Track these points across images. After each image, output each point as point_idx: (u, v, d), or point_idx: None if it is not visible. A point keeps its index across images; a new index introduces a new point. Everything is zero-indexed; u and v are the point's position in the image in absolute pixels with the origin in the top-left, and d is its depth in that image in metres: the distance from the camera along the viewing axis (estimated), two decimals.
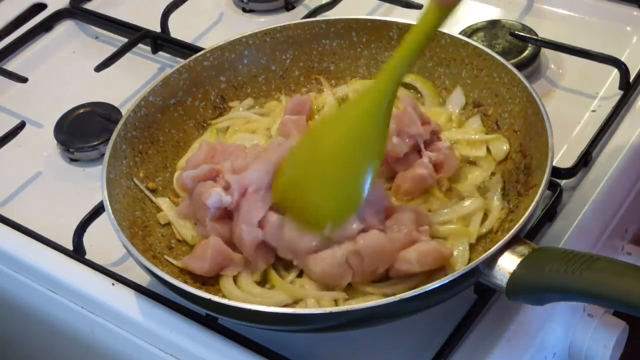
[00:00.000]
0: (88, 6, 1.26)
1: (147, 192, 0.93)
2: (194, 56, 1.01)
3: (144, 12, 1.23)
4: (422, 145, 0.91)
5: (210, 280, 0.86)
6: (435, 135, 0.93)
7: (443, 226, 0.88)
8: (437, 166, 0.91)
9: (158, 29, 1.17)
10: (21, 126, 1.08)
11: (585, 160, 0.97)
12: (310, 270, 0.83)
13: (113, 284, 0.90)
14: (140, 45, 1.17)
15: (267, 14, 1.24)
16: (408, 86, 1.01)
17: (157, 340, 0.87)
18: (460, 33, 1.08)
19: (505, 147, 0.93)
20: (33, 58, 1.21)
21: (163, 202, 0.93)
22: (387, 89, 0.81)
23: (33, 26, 1.23)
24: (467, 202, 0.89)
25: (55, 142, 1.07)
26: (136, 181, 0.92)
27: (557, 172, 0.94)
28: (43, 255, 0.94)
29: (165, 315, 0.87)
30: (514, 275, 0.77)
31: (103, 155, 0.92)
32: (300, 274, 0.86)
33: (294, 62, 1.04)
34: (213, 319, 0.85)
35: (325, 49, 1.04)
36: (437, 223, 0.88)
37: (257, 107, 1.03)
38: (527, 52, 1.08)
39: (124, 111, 0.99)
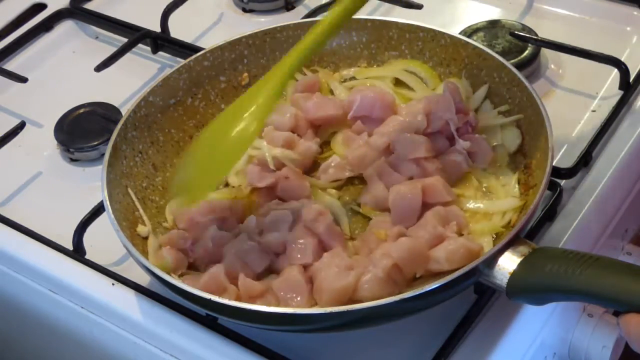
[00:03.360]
0: (88, 6, 1.26)
1: (138, 205, 0.91)
2: (194, 56, 1.01)
3: (144, 12, 1.23)
4: (454, 132, 0.92)
5: None
6: (469, 126, 0.93)
7: (472, 218, 0.88)
8: (470, 156, 0.92)
9: (158, 29, 1.17)
10: (21, 126, 1.08)
11: (585, 160, 0.97)
12: (364, 297, 0.80)
13: (113, 284, 0.90)
14: (140, 45, 1.17)
15: (267, 14, 1.24)
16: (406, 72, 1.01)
17: (157, 340, 0.87)
18: (460, 33, 1.08)
19: (518, 139, 0.93)
20: (33, 58, 1.21)
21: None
22: (276, 89, 0.86)
23: (33, 26, 1.23)
24: (506, 200, 0.88)
25: (55, 142, 1.07)
26: (130, 191, 0.91)
27: (557, 172, 0.94)
28: (43, 255, 0.94)
29: (165, 315, 0.87)
30: (514, 275, 0.77)
31: (103, 155, 0.92)
32: None
33: None
34: (213, 319, 0.85)
35: (325, 49, 1.03)
36: (468, 211, 0.88)
37: None
38: (527, 52, 1.08)
39: (124, 111, 0.99)
